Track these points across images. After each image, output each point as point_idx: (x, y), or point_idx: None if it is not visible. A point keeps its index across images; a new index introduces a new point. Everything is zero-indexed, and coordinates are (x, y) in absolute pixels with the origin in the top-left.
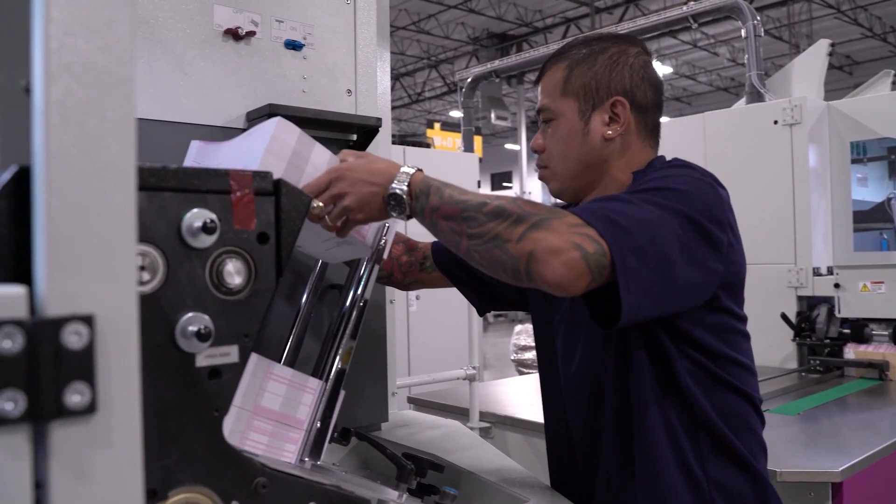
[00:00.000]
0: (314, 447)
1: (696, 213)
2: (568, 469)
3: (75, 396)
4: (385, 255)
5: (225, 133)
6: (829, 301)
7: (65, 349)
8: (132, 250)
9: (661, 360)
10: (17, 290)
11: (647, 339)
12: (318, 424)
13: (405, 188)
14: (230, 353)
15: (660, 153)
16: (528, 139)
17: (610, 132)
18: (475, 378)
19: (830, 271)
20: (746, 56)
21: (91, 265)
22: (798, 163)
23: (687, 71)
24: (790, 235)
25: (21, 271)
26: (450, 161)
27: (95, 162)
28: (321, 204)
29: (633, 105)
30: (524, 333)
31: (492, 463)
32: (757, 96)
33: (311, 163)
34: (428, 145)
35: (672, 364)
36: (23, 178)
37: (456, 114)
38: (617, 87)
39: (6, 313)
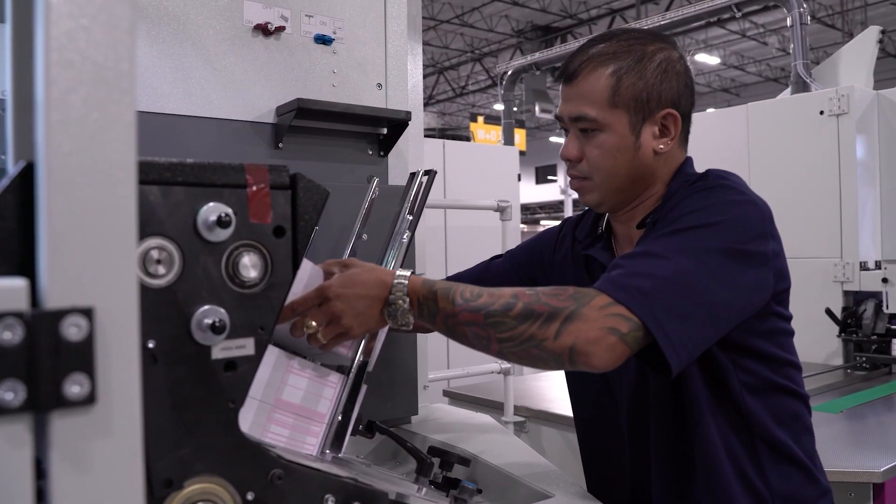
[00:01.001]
0: (335, 440)
1: (735, 243)
2: (611, 485)
3: (74, 387)
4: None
5: (254, 128)
6: (876, 296)
7: (64, 341)
8: (132, 244)
9: (714, 373)
10: (17, 283)
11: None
12: (340, 417)
13: (406, 298)
14: (246, 346)
15: (703, 145)
16: None
17: (661, 146)
18: (510, 372)
19: (878, 265)
20: (792, 45)
21: (91, 259)
22: (845, 154)
23: (735, 61)
24: (836, 229)
25: (27, 265)
26: (490, 154)
27: (96, 157)
28: (314, 323)
29: (681, 115)
30: None
31: (521, 458)
32: (802, 86)
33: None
34: (468, 138)
35: (726, 375)
36: (29, 174)
37: (500, 107)
38: (668, 98)
39: (7, 306)
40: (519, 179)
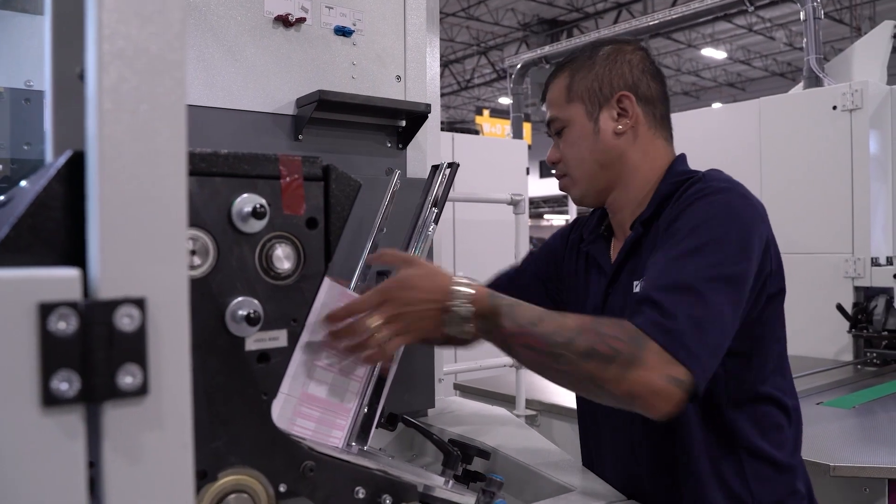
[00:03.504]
0: (361, 433)
1: (739, 265)
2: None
3: (127, 378)
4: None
5: (274, 120)
6: (887, 292)
7: (117, 331)
8: (183, 235)
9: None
10: (71, 273)
11: None
12: (366, 410)
13: (470, 307)
14: (279, 338)
15: (713, 141)
16: None
17: (620, 127)
18: (522, 366)
19: (890, 261)
20: (805, 39)
21: (143, 249)
22: (858, 149)
23: (741, 56)
24: (848, 224)
25: (75, 254)
26: (499, 148)
27: (147, 147)
28: (376, 322)
29: (639, 98)
30: None
31: (539, 451)
32: (815, 81)
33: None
34: (477, 132)
35: (715, 384)
36: (77, 163)
37: (505, 101)
38: (619, 82)
39: (61, 295)
40: (528, 173)
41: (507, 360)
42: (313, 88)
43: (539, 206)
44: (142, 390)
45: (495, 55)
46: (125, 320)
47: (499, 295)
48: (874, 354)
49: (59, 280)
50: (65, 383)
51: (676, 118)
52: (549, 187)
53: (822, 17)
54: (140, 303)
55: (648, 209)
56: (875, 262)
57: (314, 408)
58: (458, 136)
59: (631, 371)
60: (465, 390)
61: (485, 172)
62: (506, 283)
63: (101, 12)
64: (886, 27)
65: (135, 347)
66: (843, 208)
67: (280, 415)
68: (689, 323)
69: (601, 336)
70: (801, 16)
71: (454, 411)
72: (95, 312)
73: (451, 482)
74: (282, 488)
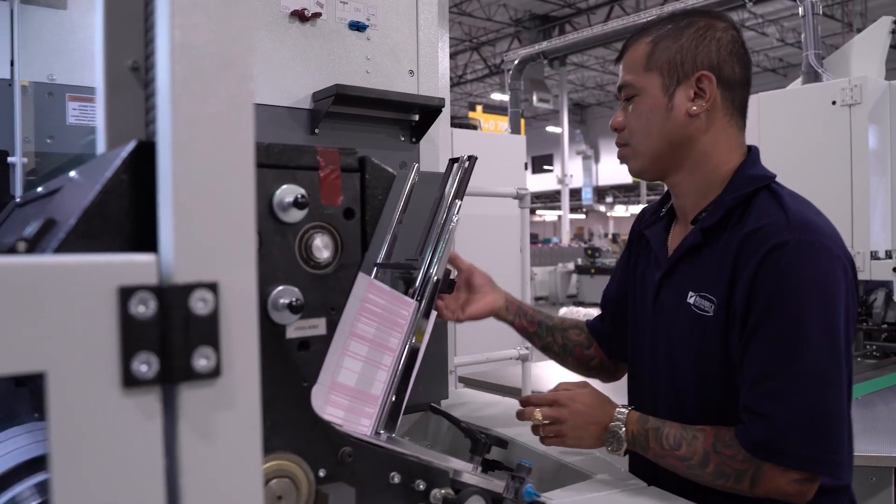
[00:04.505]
0: (389, 420)
1: (839, 345)
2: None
3: (202, 360)
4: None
5: (291, 113)
6: (886, 285)
7: (193, 315)
8: (252, 221)
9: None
10: (148, 258)
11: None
12: (394, 398)
13: (624, 428)
14: (318, 326)
15: None
16: (570, 122)
17: (695, 108)
18: (527, 358)
19: (889, 255)
20: (803, 34)
21: (216, 235)
22: (857, 144)
23: None
24: (847, 218)
25: (141, 241)
26: (497, 143)
27: (218, 137)
28: (540, 416)
29: (720, 80)
30: (569, 315)
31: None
32: (814, 76)
33: (401, 315)
34: (475, 127)
35: None
36: (141, 153)
37: (497, 96)
38: (703, 61)
39: (139, 280)
40: (526, 168)
41: (513, 352)
42: (329, 83)
43: (532, 202)
44: (215, 372)
45: (487, 51)
46: (199, 304)
47: (646, 418)
48: (874, 347)
49: (138, 265)
50: (144, 365)
51: None
52: (542, 183)
53: (821, 12)
54: (213, 287)
55: (711, 217)
56: (874, 256)
57: (343, 396)
58: (457, 131)
59: (759, 485)
60: (469, 383)
61: (484, 167)
62: (611, 301)
63: (172, 7)
64: (884, 23)
65: (209, 330)
66: (843, 202)
67: (311, 403)
68: (802, 433)
69: (723, 459)
70: (800, 11)
71: (466, 402)
72: (173, 296)
73: (478, 468)
74: (321, 473)
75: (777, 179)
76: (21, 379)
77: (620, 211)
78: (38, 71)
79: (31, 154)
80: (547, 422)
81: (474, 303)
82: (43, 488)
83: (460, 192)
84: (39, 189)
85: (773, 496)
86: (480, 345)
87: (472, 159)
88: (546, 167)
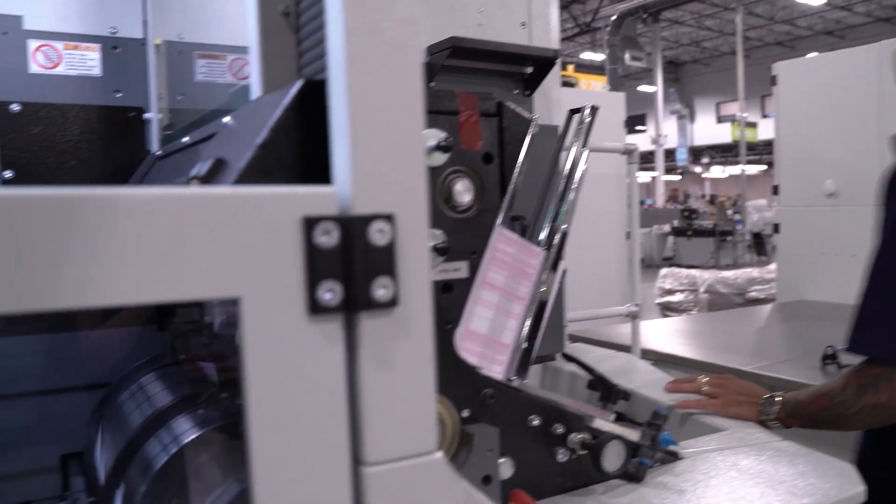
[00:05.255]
0: (520, 367)
1: None
2: None
3: (380, 290)
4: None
5: None
6: None
7: (371, 245)
8: (423, 154)
9: None
10: (329, 190)
11: None
12: (525, 345)
13: (779, 396)
14: (460, 269)
15: (824, 90)
16: (665, 80)
17: None
18: (637, 315)
19: None
20: None
21: (390, 168)
22: None
23: (841, 1)
24: None
25: (307, 176)
26: (596, 101)
27: (389, 73)
28: (705, 380)
29: None
30: (670, 277)
31: (677, 395)
32: None
33: (530, 264)
34: (573, 84)
35: None
36: (307, 92)
37: (588, 55)
38: None
39: (322, 210)
40: (625, 126)
41: (622, 309)
42: (442, 36)
43: None
44: (392, 302)
45: (577, 9)
46: (377, 235)
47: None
48: None
49: (320, 196)
50: (329, 293)
51: (808, 61)
52: (635, 143)
53: None
54: (390, 218)
55: None
56: None
57: (476, 343)
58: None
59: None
60: (575, 340)
61: None
62: None
63: None
64: None
65: (386, 260)
66: None
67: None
68: None
69: (859, 374)
70: None
71: (582, 356)
72: (354, 226)
73: (613, 416)
74: (465, 413)
75: None
76: (163, 324)
77: (717, 172)
78: (169, 30)
79: (166, 110)
80: (708, 388)
81: None
82: (201, 420)
83: (585, 142)
84: (185, 139)
85: None
86: (586, 303)
87: (594, 109)
88: (638, 128)
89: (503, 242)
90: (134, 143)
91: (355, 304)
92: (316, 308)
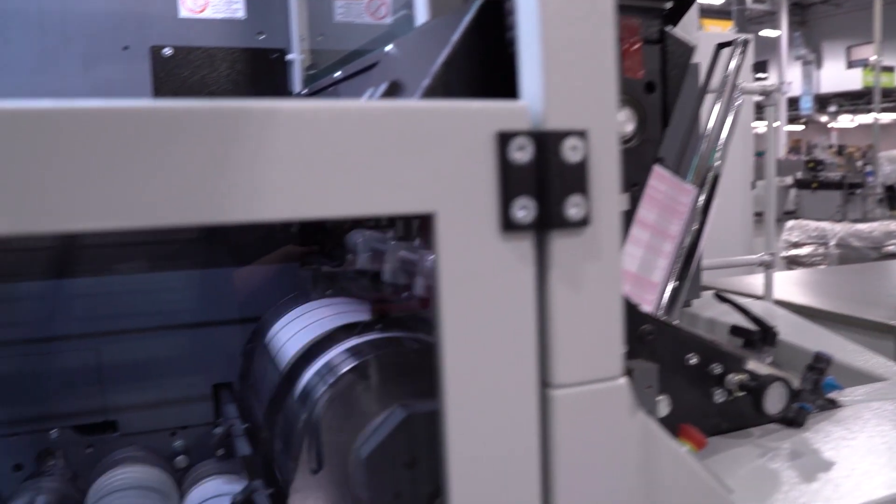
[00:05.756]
0: (669, 307)
1: None
2: None
3: (573, 209)
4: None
5: None
6: None
7: (565, 162)
8: (613, 71)
9: None
10: (522, 105)
11: None
12: (675, 284)
13: None
14: (622, 201)
15: None
16: (790, 24)
17: None
18: (772, 265)
19: None
20: None
21: (583, 84)
22: None
23: None
24: None
25: (487, 93)
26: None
27: None
28: None
29: None
30: (797, 229)
31: (827, 343)
32: None
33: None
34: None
35: None
36: (486, 12)
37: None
38: None
39: (515, 125)
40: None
41: (755, 258)
42: None
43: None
44: (584, 221)
45: None
46: (570, 152)
47: None
48: None
49: (513, 111)
50: (522, 210)
51: None
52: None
53: None
54: (583, 134)
55: None
56: None
57: (624, 282)
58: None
59: None
60: (705, 289)
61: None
62: None
63: None
64: None
65: (579, 178)
66: None
67: None
68: None
69: None
70: None
71: (716, 304)
72: (548, 142)
73: (770, 358)
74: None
75: None
76: (307, 260)
77: (845, 122)
78: None
79: (308, 51)
80: None
81: None
82: (354, 352)
83: (738, 77)
84: (337, 73)
85: None
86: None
87: (746, 42)
88: (759, 75)
89: (656, 179)
90: (277, 83)
91: (548, 221)
92: (509, 225)
